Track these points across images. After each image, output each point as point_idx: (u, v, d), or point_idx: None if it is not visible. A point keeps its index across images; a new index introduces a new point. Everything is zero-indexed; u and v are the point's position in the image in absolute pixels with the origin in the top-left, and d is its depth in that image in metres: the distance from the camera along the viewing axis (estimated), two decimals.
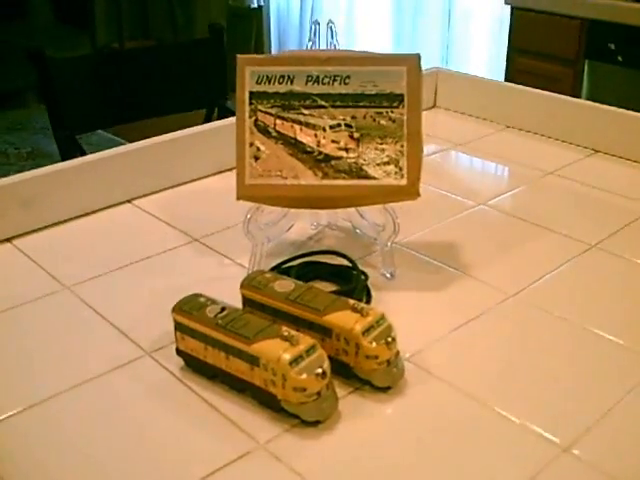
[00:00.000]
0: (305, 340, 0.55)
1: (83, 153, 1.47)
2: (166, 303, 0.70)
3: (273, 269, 0.72)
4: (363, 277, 0.71)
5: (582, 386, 0.60)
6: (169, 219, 0.88)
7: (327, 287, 0.72)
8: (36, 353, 0.65)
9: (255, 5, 4.20)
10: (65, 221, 0.87)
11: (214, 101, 1.68)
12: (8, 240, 0.83)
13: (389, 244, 0.74)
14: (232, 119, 1.05)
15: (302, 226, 0.83)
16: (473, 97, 1.21)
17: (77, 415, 0.57)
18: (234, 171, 1.00)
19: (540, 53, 2.31)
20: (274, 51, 4.27)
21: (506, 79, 2.46)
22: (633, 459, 0.53)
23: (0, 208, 0.83)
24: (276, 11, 4.19)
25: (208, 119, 1.70)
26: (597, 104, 1.09)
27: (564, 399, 0.59)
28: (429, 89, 1.24)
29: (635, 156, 1.03)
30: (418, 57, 0.70)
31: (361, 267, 0.74)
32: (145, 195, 0.94)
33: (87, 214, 0.89)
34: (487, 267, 0.77)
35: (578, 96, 2.26)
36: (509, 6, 2.37)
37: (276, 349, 0.54)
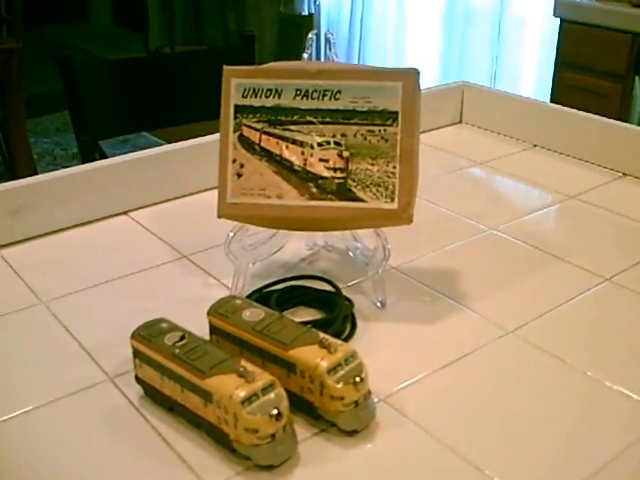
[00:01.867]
0: (263, 377, 0.51)
1: (104, 157, 1.45)
2: (141, 323, 0.66)
3: (254, 293, 0.68)
4: (348, 305, 0.66)
5: (580, 440, 0.54)
6: (161, 233, 0.85)
7: (311, 313, 0.68)
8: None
9: (306, 12, 4.18)
10: (55, 232, 0.85)
11: None
12: None
13: (380, 271, 0.69)
14: None
15: (297, 246, 0.79)
16: (500, 113, 1.15)
17: (30, 439, 0.54)
18: None
19: (589, 68, 2.23)
20: (323, 59, 4.25)
21: (552, 93, 2.39)
22: None
23: None
24: (326, 18, 4.16)
25: None
26: (628, 125, 1.02)
27: (560, 456, 0.53)
28: (455, 104, 1.19)
29: None
30: (416, 72, 0.65)
31: (351, 294, 0.70)
32: (142, 207, 0.91)
33: (81, 225, 0.87)
34: (488, 299, 0.72)
35: (627, 113, 2.18)
36: (558, 18, 2.29)
37: (230, 385, 0.50)
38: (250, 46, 1.63)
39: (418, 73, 0.66)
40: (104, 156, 1.46)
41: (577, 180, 0.99)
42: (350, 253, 0.75)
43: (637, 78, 2.15)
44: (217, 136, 0.98)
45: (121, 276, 0.76)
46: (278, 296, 0.67)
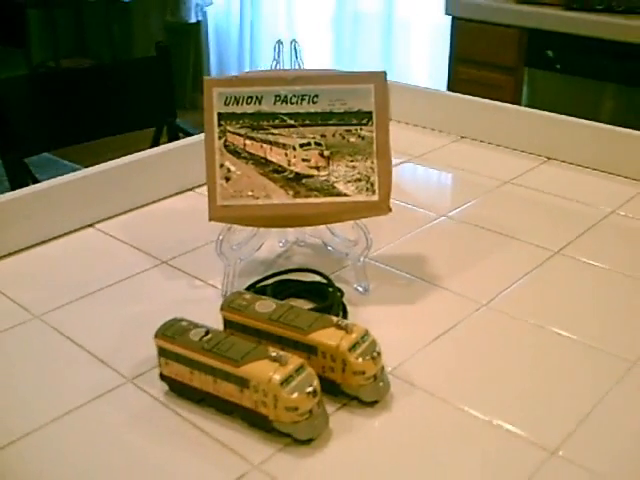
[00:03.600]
0: (293, 360, 0.55)
1: (32, 176, 1.44)
2: (142, 328, 0.69)
3: (248, 289, 0.72)
4: (339, 293, 0.71)
5: (561, 389, 0.62)
6: (134, 242, 0.87)
7: (302, 304, 0.72)
8: (12, 386, 0.63)
9: (194, 20, 4.18)
10: (25, 249, 0.86)
11: (163, 119, 1.67)
12: None
13: (362, 259, 0.75)
14: (189, 139, 1.05)
15: (270, 244, 0.83)
16: (426, 109, 1.23)
17: (61, 449, 0.56)
18: (195, 191, 1.01)
19: (481, 62, 2.37)
20: (213, 66, 4.26)
21: (448, 88, 2.50)
22: (614, 455, 0.54)
23: None
24: (214, 26, 4.18)
25: (157, 138, 1.69)
26: (547, 113, 1.12)
27: (545, 403, 0.60)
28: None
29: (587, 162, 1.06)
30: (384, 74, 0.71)
31: (335, 283, 0.75)
32: (107, 219, 0.93)
33: (48, 240, 0.88)
34: (457, 278, 0.78)
35: (518, 103, 2.32)
36: (449, 16, 2.41)
37: (266, 370, 0.54)
38: (166, 56, 1.65)
39: (386, 75, 0.72)
40: (32, 174, 1.45)
41: (507, 166, 1.08)
42: (329, 247, 0.80)
43: (526, 70, 2.30)
44: (174, 145, 1.02)
45: (106, 285, 0.78)
46: (272, 289, 0.71)
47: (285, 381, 0.54)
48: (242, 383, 0.55)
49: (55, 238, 0.88)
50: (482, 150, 1.15)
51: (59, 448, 0.56)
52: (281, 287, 0.72)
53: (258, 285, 0.73)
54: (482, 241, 0.87)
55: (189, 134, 1.65)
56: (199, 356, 0.57)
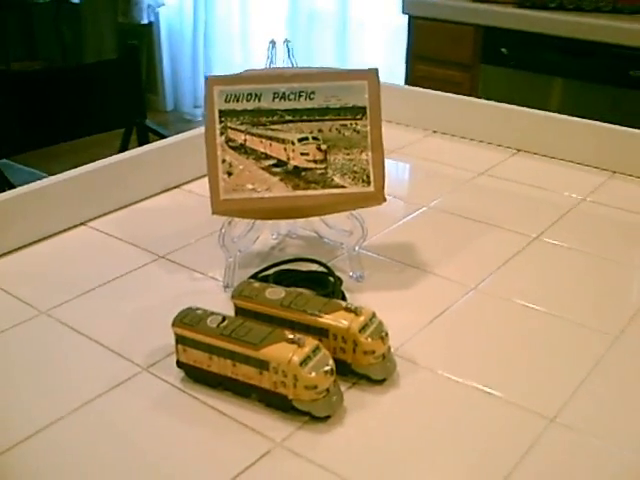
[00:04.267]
0: (310, 341, 0.58)
1: (7, 180, 1.44)
2: (149, 319, 0.72)
3: (251, 278, 0.75)
4: (339, 281, 0.75)
5: (553, 362, 0.66)
6: (128, 238, 0.89)
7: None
8: (28, 380, 0.65)
9: (146, 21, 4.16)
10: (22, 247, 0.87)
11: (132, 120, 1.68)
12: None
13: (357, 248, 0.78)
14: (173, 139, 1.07)
15: (264, 237, 0.86)
16: (397, 105, 1.27)
17: (87, 435, 0.58)
18: (181, 188, 1.03)
19: (439, 59, 2.42)
20: (166, 67, 4.25)
21: (406, 85, 2.56)
22: (607, 419, 0.59)
23: None
24: (167, 27, 4.17)
25: (127, 138, 1.70)
26: (515, 107, 1.17)
27: (539, 374, 0.65)
28: None
29: (554, 153, 1.12)
30: (376, 71, 0.75)
31: (334, 271, 0.78)
32: (98, 217, 0.94)
33: (43, 239, 0.89)
34: (445, 264, 0.82)
35: (476, 98, 2.38)
36: (406, 15, 2.47)
37: (285, 352, 0.57)
38: (134, 57, 1.66)
39: (378, 72, 0.75)
40: (4, 176, 1.45)
41: (480, 159, 1.12)
42: (325, 239, 0.83)
43: (482, 66, 2.37)
44: (159, 144, 1.04)
45: (108, 280, 0.80)
46: (273, 279, 0.74)
47: (304, 361, 0.57)
48: (262, 365, 0.58)
49: (50, 236, 0.89)
50: (454, 144, 1.19)
51: (84, 434, 0.58)
52: (282, 276, 0.75)
53: (260, 275, 0.76)
54: (464, 229, 0.91)
55: (159, 134, 1.66)
56: (218, 341, 0.60)
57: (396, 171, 1.12)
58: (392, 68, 3.01)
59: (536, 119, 1.14)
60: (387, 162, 1.13)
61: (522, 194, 1.01)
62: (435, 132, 1.23)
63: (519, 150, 1.15)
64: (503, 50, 2.28)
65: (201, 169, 1.03)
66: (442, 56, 2.40)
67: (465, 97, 1.21)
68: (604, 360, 0.67)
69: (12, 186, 1.43)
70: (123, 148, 1.67)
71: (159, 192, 1.02)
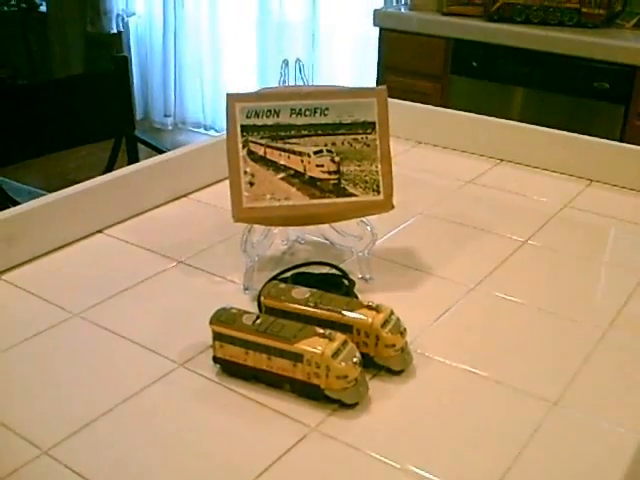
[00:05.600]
0: (339, 336, 0.64)
1: (2, 191, 1.48)
2: (179, 319, 0.78)
3: (271, 280, 0.81)
4: (352, 283, 0.81)
5: (553, 352, 0.74)
6: (145, 244, 0.94)
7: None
8: (70, 378, 0.70)
9: (115, 30, 4.19)
10: (46, 254, 0.92)
11: (121, 130, 1.73)
12: None
13: (366, 252, 0.85)
14: (178, 151, 1.13)
15: (275, 243, 0.92)
16: None
17: (129, 430, 0.63)
18: (189, 197, 1.09)
19: (409, 70, 2.50)
20: (136, 76, 4.27)
21: None
22: (605, 400, 0.66)
23: None
24: (136, 36, 4.20)
25: (116, 149, 1.74)
26: (497, 119, 1.24)
27: (542, 363, 0.72)
28: None
29: (536, 163, 1.20)
30: (385, 90, 0.82)
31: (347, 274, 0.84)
32: (113, 225, 0.99)
33: (63, 246, 0.94)
34: (444, 266, 0.89)
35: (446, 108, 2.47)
36: (377, 27, 2.54)
37: (318, 345, 0.63)
38: (124, 69, 1.71)
39: (386, 90, 0.82)
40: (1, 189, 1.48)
41: (466, 168, 1.20)
42: (336, 244, 0.89)
43: (451, 77, 2.46)
44: (168, 155, 1.09)
45: (133, 284, 0.85)
46: (291, 281, 0.80)
47: (335, 354, 0.63)
48: (296, 358, 0.64)
49: (69, 244, 0.94)
50: (439, 154, 1.26)
51: (130, 427, 0.64)
52: (299, 279, 0.81)
53: (278, 277, 0.81)
54: (458, 234, 0.98)
55: (148, 144, 1.71)
56: (255, 337, 0.66)
57: None
58: (363, 77, 3.10)
59: (518, 131, 1.22)
60: None
61: (508, 201, 1.09)
62: (420, 143, 1.30)
63: (502, 160, 1.23)
64: (473, 63, 2.37)
65: (207, 179, 1.09)
66: (413, 67, 2.48)
67: (448, 110, 1.29)
68: (598, 349, 0.74)
69: (13, 200, 1.47)
70: (113, 157, 1.71)
71: (168, 201, 1.07)
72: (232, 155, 0.79)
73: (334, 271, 0.83)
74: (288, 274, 0.83)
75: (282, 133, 0.80)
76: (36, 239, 0.91)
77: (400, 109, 1.32)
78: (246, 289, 0.83)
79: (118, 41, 4.24)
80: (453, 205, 1.08)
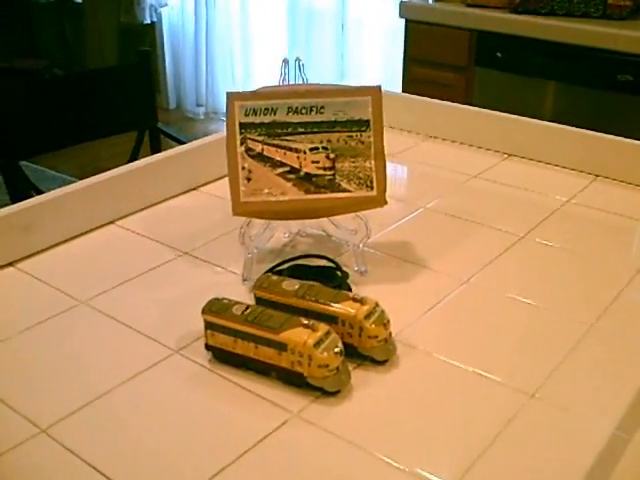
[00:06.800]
0: (322, 327, 0.68)
1: (27, 180, 1.53)
2: (178, 308, 0.81)
3: (267, 272, 0.84)
4: (345, 275, 0.84)
5: (535, 346, 0.76)
6: (154, 236, 0.98)
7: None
8: (74, 361, 0.74)
9: (148, 21, 4.25)
10: (60, 243, 0.96)
11: (145, 123, 1.77)
12: (10, 264, 0.92)
13: (361, 245, 0.88)
14: (189, 145, 1.16)
15: (277, 235, 0.95)
16: (396, 111, 1.36)
17: (125, 410, 0.67)
18: (198, 190, 1.13)
19: (434, 62, 2.51)
20: (169, 66, 4.33)
21: (403, 87, 2.65)
22: (582, 395, 0.69)
23: (3, 234, 0.91)
24: (169, 27, 4.25)
25: (139, 141, 1.79)
26: (506, 114, 1.26)
27: (523, 356, 0.74)
28: None
29: (542, 158, 1.21)
30: (379, 88, 0.84)
31: (341, 266, 0.87)
32: (125, 216, 1.03)
33: (76, 237, 0.98)
34: (439, 259, 0.92)
35: (470, 101, 2.48)
36: (403, 19, 2.56)
37: (301, 335, 0.67)
38: (147, 62, 1.75)
39: (380, 88, 0.84)
40: (27, 178, 1.54)
41: (473, 162, 1.22)
42: (333, 237, 0.92)
43: (477, 69, 2.46)
44: (182, 148, 1.13)
45: (139, 274, 0.89)
46: (287, 273, 0.84)
47: (317, 343, 0.66)
48: (281, 347, 0.67)
49: (82, 234, 0.98)
50: (449, 148, 1.28)
51: (126, 407, 0.68)
52: (295, 271, 0.84)
53: (275, 269, 0.85)
54: (457, 228, 1.01)
55: (170, 136, 1.75)
56: (243, 327, 0.69)
57: (395, 174, 1.22)
58: (392, 68, 3.11)
59: (525, 126, 1.23)
60: (387, 166, 1.23)
61: (511, 196, 1.11)
62: (431, 137, 1.32)
63: (509, 155, 1.24)
64: (498, 54, 2.37)
65: (218, 172, 1.13)
66: (437, 59, 2.49)
67: (459, 105, 1.30)
68: (580, 345, 0.76)
69: (34, 187, 1.52)
70: (136, 149, 1.76)
71: (179, 193, 1.11)
72: (231, 152, 0.83)
73: (330, 264, 0.86)
74: (285, 266, 0.86)
75: (279, 130, 0.83)
76: (51, 229, 0.96)
77: (411, 103, 1.35)
78: (245, 280, 0.86)
79: (151, 32, 4.31)
80: (456, 199, 1.10)
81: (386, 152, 1.26)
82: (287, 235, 0.96)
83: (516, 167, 1.20)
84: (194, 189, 1.12)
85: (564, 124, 1.21)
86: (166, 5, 4.13)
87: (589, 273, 0.90)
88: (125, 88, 1.75)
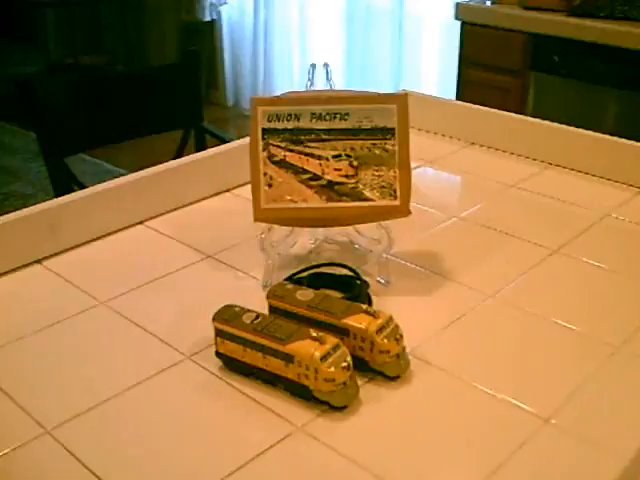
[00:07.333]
0: (331, 339, 0.66)
1: (73, 177, 1.56)
2: (195, 313, 0.81)
3: (286, 280, 0.83)
4: (365, 285, 0.82)
5: (555, 368, 0.73)
6: (180, 237, 0.98)
7: (333, 295, 0.83)
8: (88, 360, 0.75)
9: (208, 19, 4.29)
10: (87, 242, 0.97)
11: (191, 122, 1.78)
12: (38, 262, 0.93)
13: (384, 255, 0.86)
14: (225, 147, 1.16)
15: (302, 241, 0.94)
16: (439, 117, 1.34)
17: (137, 411, 0.68)
18: (231, 192, 1.12)
19: (489, 65, 2.47)
20: (227, 63, 4.37)
21: (457, 89, 2.61)
22: (598, 424, 0.66)
23: (31, 232, 0.92)
24: (228, 25, 4.29)
25: (185, 139, 1.80)
26: (550, 123, 1.22)
27: (541, 379, 0.71)
28: None
29: (583, 168, 1.17)
30: (406, 96, 0.82)
31: (361, 276, 0.86)
32: (154, 217, 1.04)
33: (106, 235, 0.99)
34: (467, 272, 0.89)
35: (524, 106, 2.42)
36: (459, 21, 2.52)
37: (308, 348, 0.65)
38: (195, 62, 1.76)
39: (407, 96, 0.83)
40: (72, 174, 1.56)
41: (512, 171, 1.18)
42: (356, 245, 0.91)
43: (532, 73, 2.40)
44: (212, 151, 1.13)
45: (161, 276, 0.89)
46: (307, 281, 0.82)
47: (324, 357, 0.65)
48: (288, 359, 0.66)
49: (111, 233, 0.99)
50: (489, 156, 1.25)
51: (133, 411, 0.68)
52: (315, 279, 0.83)
53: (295, 277, 0.84)
54: (489, 240, 0.98)
55: (215, 136, 1.76)
56: (251, 336, 0.68)
57: (431, 181, 1.19)
58: (449, 68, 3.05)
59: (568, 134, 1.19)
60: (423, 172, 1.21)
61: (548, 207, 1.07)
62: (473, 144, 1.29)
63: (551, 164, 1.20)
64: (555, 58, 2.32)
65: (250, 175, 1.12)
66: (492, 62, 2.45)
67: (502, 112, 1.27)
68: (603, 369, 0.73)
69: (78, 182, 1.54)
70: (181, 147, 1.77)
71: (211, 195, 1.11)
72: (253, 157, 0.82)
73: (351, 273, 0.85)
74: (305, 274, 0.85)
75: (302, 137, 0.82)
76: (79, 228, 0.96)
77: (454, 109, 1.32)
78: (265, 286, 0.85)
79: (211, 29, 4.35)
80: (491, 209, 1.07)
81: (427, 158, 1.25)
82: (313, 241, 0.95)
83: (557, 177, 1.17)
84: (227, 191, 1.12)
85: (626, 134, 1.17)
86: (226, 3, 4.16)
87: (622, 292, 0.87)
88: (173, 87, 1.76)
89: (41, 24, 4.87)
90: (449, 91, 2.81)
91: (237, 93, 4.34)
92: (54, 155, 1.53)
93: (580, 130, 1.19)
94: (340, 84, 3.77)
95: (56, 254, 0.94)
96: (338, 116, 0.82)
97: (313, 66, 0.86)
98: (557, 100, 2.39)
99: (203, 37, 4.37)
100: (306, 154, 0.82)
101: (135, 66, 4.50)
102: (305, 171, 0.82)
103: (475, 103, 1.31)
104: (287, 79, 4.05)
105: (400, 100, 0.82)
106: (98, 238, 0.98)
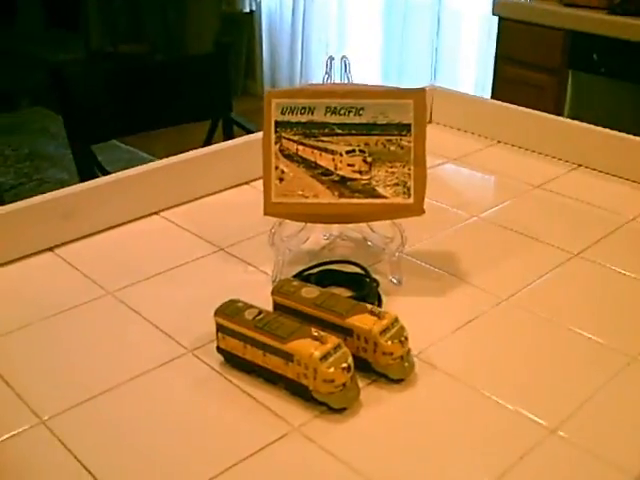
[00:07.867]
0: (332, 339, 0.65)
1: (99, 164, 1.56)
2: (202, 307, 0.80)
3: (295, 276, 0.82)
4: (375, 284, 0.81)
5: (566, 377, 0.70)
6: (195, 229, 0.97)
7: (342, 292, 0.81)
8: (92, 350, 0.74)
9: (247, 9, 4.29)
10: (100, 231, 0.96)
11: (219, 112, 1.78)
12: (50, 249, 0.92)
13: (397, 254, 0.84)
14: (245, 138, 1.15)
15: (316, 237, 0.93)
16: (466, 114, 1.31)
17: (133, 405, 0.67)
18: (251, 185, 1.11)
19: (526, 62, 2.43)
20: (265, 54, 4.37)
21: (493, 85, 2.57)
22: (605, 437, 0.63)
23: (44, 219, 0.92)
24: (267, 16, 4.28)
25: (213, 129, 1.79)
26: (579, 122, 1.19)
27: (550, 388, 0.69)
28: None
29: (613, 170, 1.14)
30: (423, 91, 0.80)
31: (371, 274, 0.84)
32: (170, 207, 1.03)
33: (120, 225, 0.98)
34: (482, 274, 0.87)
35: (561, 105, 2.37)
36: (496, 16, 2.48)
37: (308, 347, 0.64)
38: (225, 53, 1.75)
39: (425, 92, 0.80)
40: (98, 162, 1.56)
41: (539, 172, 1.15)
42: (369, 242, 0.89)
43: (570, 71, 2.35)
44: (230, 143, 1.12)
45: (171, 268, 0.88)
46: (315, 278, 0.81)
47: (324, 357, 0.63)
48: (287, 357, 0.65)
49: (125, 223, 0.99)
50: (516, 155, 1.22)
51: (133, 403, 0.67)
52: (324, 276, 0.82)
53: (304, 273, 0.82)
54: (508, 242, 0.95)
55: (243, 127, 1.75)
56: (252, 333, 0.67)
57: (454, 179, 1.17)
58: (486, 63, 3.01)
59: (598, 135, 1.16)
60: (447, 169, 1.19)
61: (573, 209, 1.04)
62: (499, 142, 1.26)
63: (579, 165, 1.17)
64: (594, 56, 2.26)
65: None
66: (529, 59, 2.40)
67: (530, 110, 1.24)
68: (617, 379, 0.70)
69: (103, 169, 1.55)
70: (209, 137, 1.76)
71: (229, 187, 1.10)
72: (265, 150, 0.80)
73: (362, 271, 0.83)
74: (315, 270, 0.83)
75: (315, 131, 0.80)
76: (93, 217, 0.96)
77: (480, 106, 1.30)
78: (274, 281, 0.84)
79: (250, 20, 4.35)
80: (513, 210, 1.04)
81: (451, 155, 1.22)
82: (327, 237, 0.94)
83: (583, 179, 1.13)
84: (246, 183, 1.11)
85: None
86: None
87: None
88: (203, 77, 1.75)
89: (84, 12, 4.90)
90: (485, 87, 2.77)
91: (274, 84, 4.34)
92: (80, 141, 1.53)
93: (610, 131, 1.15)
94: (377, 78, 3.74)
95: (69, 242, 0.94)
96: (353, 110, 0.80)
97: (331, 58, 0.84)
98: (595, 99, 2.34)
99: (242, 28, 4.37)
100: (319, 148, 0.80)
101: (173, 56, 4.51)
102: (317, 166, 0.80)
103: (510, 100, 1.28)
104: (324, 71, 4.03)
105: (417, 96, 0.80)
106: (112, 227, 0.97)
